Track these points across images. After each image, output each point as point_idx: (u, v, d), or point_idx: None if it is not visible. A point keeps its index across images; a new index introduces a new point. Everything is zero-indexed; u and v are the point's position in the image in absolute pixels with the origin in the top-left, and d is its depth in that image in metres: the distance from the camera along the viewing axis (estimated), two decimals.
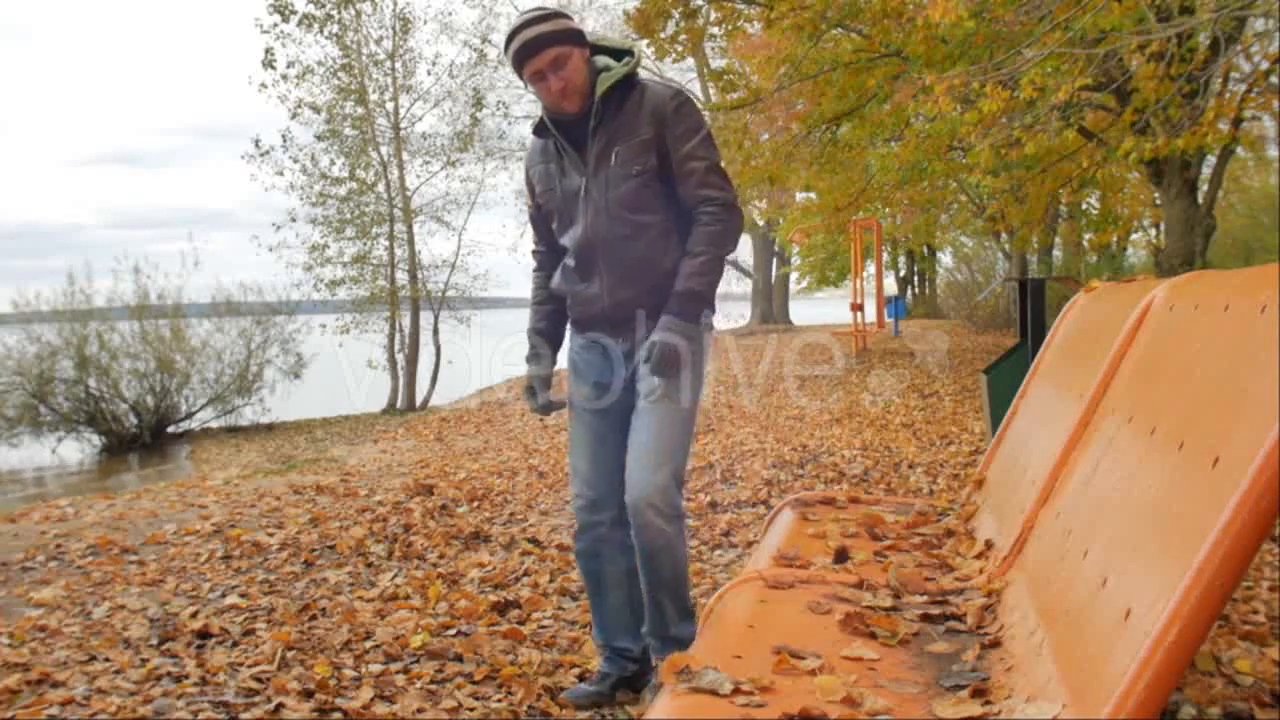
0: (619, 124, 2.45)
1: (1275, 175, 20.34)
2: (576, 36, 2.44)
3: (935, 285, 34.34)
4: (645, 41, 11.03)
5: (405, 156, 19.75)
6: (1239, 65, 9.75)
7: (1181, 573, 1.05)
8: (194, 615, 3.39)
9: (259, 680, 2.77)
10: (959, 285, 26.51)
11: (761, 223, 28.10)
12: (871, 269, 19.61)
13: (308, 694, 2.66)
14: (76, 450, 16.41)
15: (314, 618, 3.38)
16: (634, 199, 2.44)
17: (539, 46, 2.38)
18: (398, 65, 19.48)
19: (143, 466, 14.88)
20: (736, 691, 1.40)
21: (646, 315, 2.46)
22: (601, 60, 2.49)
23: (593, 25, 28.97)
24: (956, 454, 6.55)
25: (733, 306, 35.49)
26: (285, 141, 18.88)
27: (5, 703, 2.62)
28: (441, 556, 4.31)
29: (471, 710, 2.61)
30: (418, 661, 2.94)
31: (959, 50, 8.07)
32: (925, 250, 32.83)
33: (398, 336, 19.81)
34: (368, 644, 3.08)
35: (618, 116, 2.45)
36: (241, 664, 2.92)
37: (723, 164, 2.50)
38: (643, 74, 2.61)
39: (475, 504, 5.55)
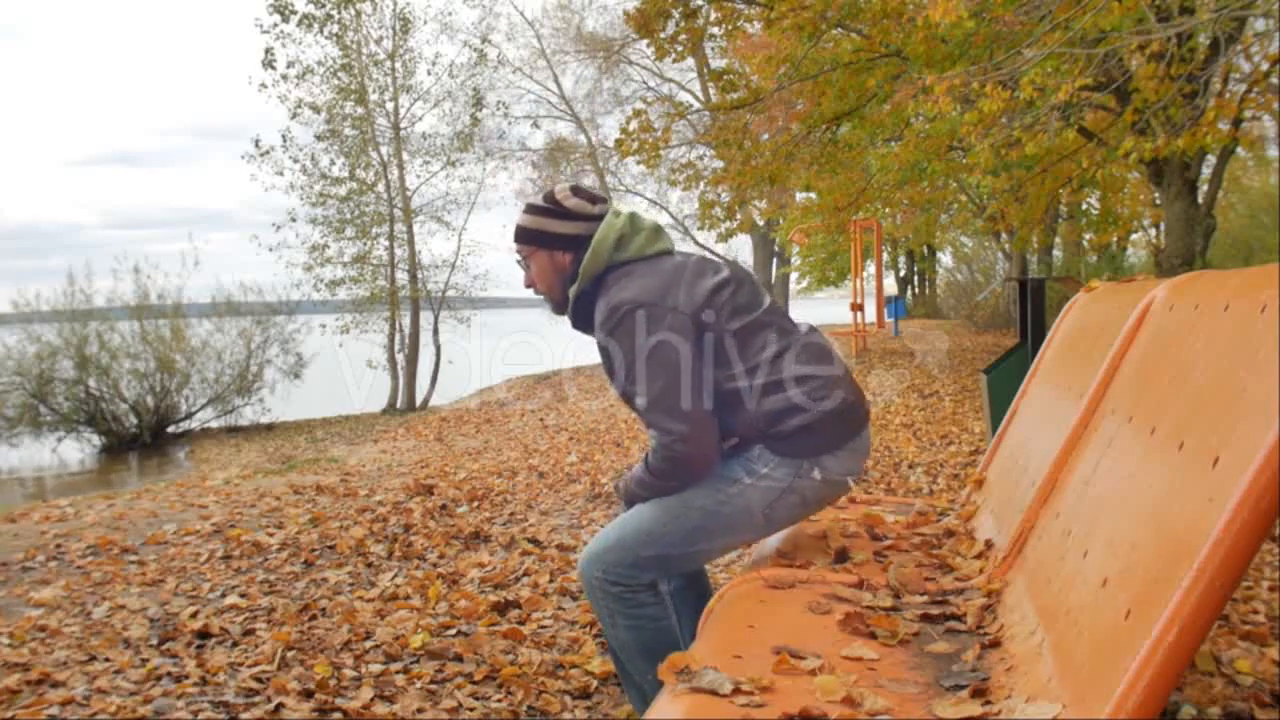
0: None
1: (1275, 175, 20.35)
2: (538, 239, 2.31)
3: (935, 285, 34.35)
4: (651, 45, 11.01)
5: (405, 156, 19.78)
6: (1239, 65, 9.76)
7: (1181, 573, 1.05)
8: (194, 615, 3.39)
9: (259, 680, 2.77)
10: (959, 285, 26.54)
11: (761, 223, 28.12)
12: (871, 269, 19.63)
13: (308, 694, 2.66)
14: (76, 450, 16.42)
15: (314, 618, 3.38)
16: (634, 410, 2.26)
17: (514, 236, 2.36)
18: (398, 65, 19.52)
19: (143, 466, 14.89)
20: (736, 691, 1.40)
21: None
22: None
23: (593, 25, 29.03)
24: (956, 454, 6.55)
25: None
26: (285, 141, 18.93)
27: (5, 703, 2.62)
28: (441, 556, 4.31)
29: (471, 710, 2.61)
30: (418, 661, 2.94)
31: (959, 50, 8.07)
32: (925, 250, 32.83)
33: (398, 336, 19.83)
34: (368, 644, 3.08)
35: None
36: (241, 664, 2.92)
37: (666, 397, 2.11)
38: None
39: (475, 504, 5.55)
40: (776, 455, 2.15)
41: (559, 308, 2.37)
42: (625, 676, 2.29)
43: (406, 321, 20.00)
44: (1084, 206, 19.28)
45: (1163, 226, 11.02)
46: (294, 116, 18.80)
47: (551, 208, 2.31)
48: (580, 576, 2.25)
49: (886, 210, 20.71)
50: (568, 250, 2.30)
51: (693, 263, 2.27)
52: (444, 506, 5.37)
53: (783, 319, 2.26)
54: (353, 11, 18.85)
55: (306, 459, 11.20)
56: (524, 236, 2.34)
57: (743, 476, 2.16)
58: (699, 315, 2.15)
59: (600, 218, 2.31)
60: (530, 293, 2.44)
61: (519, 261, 2.38)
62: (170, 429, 17.29)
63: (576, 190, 2.34)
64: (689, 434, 2.10)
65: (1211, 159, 10.47)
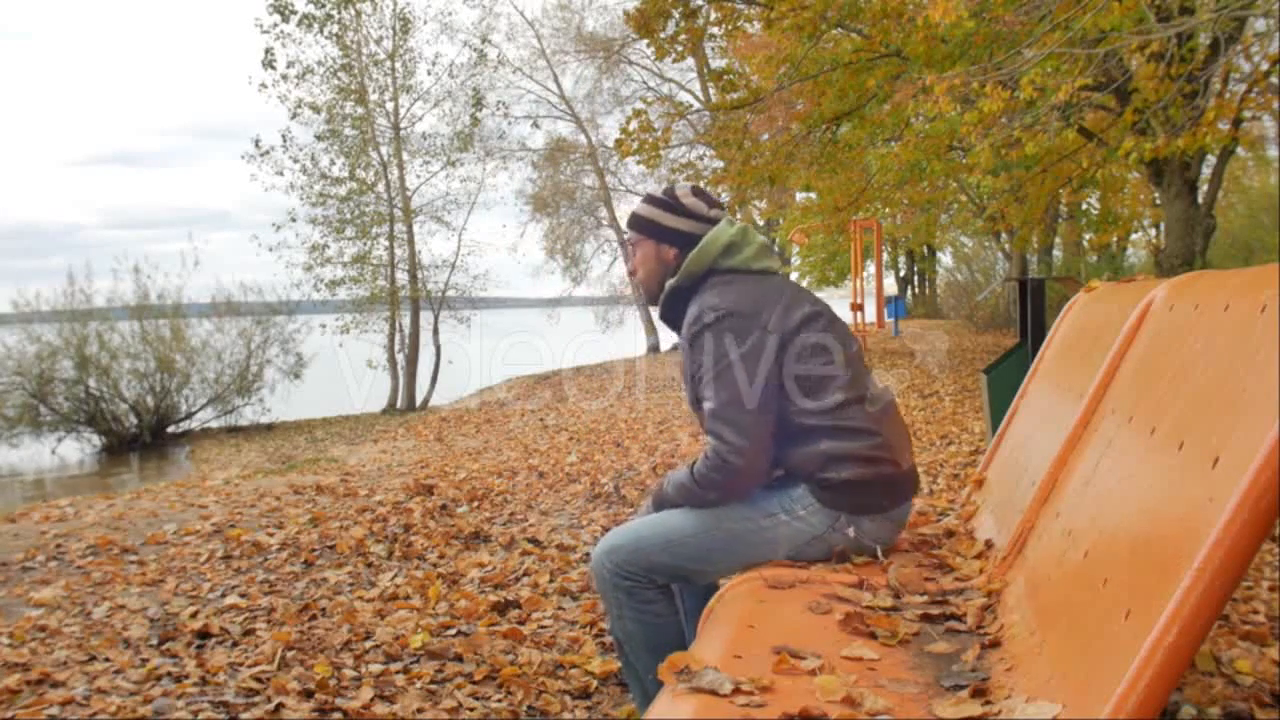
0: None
1: (1275, 175, 20.33)
2: (649, 228, 2.36)
3: (935, 285, 34.35)
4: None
5: (405, 156, 19.80)
6: (1239, 65, 9.75)
7: (1181, 573, 1.05)
8: (194, 615, 3.39)
9: (259, 680, 2.77)
10: (959, 285, 26.54)
11: (761, 223, 28.13)
12: (871, 269, 19.64)
13: (308, 694, 2.66)
14: (76, 450, 16.43)
15: (314, 618, 3.38)
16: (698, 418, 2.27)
17: (626, 222, 2.43)
18: (398, 65, 19.54)
19: (143, 466, 14.89)
20: (736, 691, 1.40)
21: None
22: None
23: (593, 25, 28.99)
24: (956, 454, 6.55)
25: None
26: (285, 141, 18.95)
27: (5, 703, 2.62)
28: (441, 556, 4.31)
29: (471, 710, 2.61)
30: (418, 661, 2.94)
31: (959, 50, 8.07)
32: (925, 250, 32.83)
33: (398, 336, 19.84)
34: (368, 644, 3.08)
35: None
36: (241, 664, 2.92)
37: (733, 408, 2.12)
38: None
39: (475, 504, 5.55)
40: (817, 501, 2.15)
41: (652, 298, 2.40)
42: (628, 669, 2.30)
43: (406, 321, 20.02)
44: (1084, 206, 19.28)
45: (1163, 226, 11.02)
46: (294, 116, 18.85)
47: (669, 201, 2.36)
48: (591, 566, 2.26)
49: (886, 210, 20.72)
50: (675, 245, 2.34)
51: (792, 289, 2.28)
52: (444, 506, 5.37)
53: (863, 369, 2.25)
54: (353, 11, 18.87)
55: (306, 459, 11.20)
56: (636, 224, 2.39)
57: (779, 512, 2.16)
58: (786, 341, 2.16)
59: (713, 221, 2.34)
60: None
61: (625, 247, 2.43)
62: (170, 429, 17.29)
63: (697, 191, 2.39)
64: (745, 449, 2.10)
65: (1211, 159, 10.45)
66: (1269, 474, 1.01)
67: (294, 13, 18.39)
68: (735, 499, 2.17)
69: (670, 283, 2.32)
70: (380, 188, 19.59)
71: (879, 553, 2.19)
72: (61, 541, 4.63)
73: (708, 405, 2.15)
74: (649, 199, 2.40)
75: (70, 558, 4.35)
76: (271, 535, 4.69)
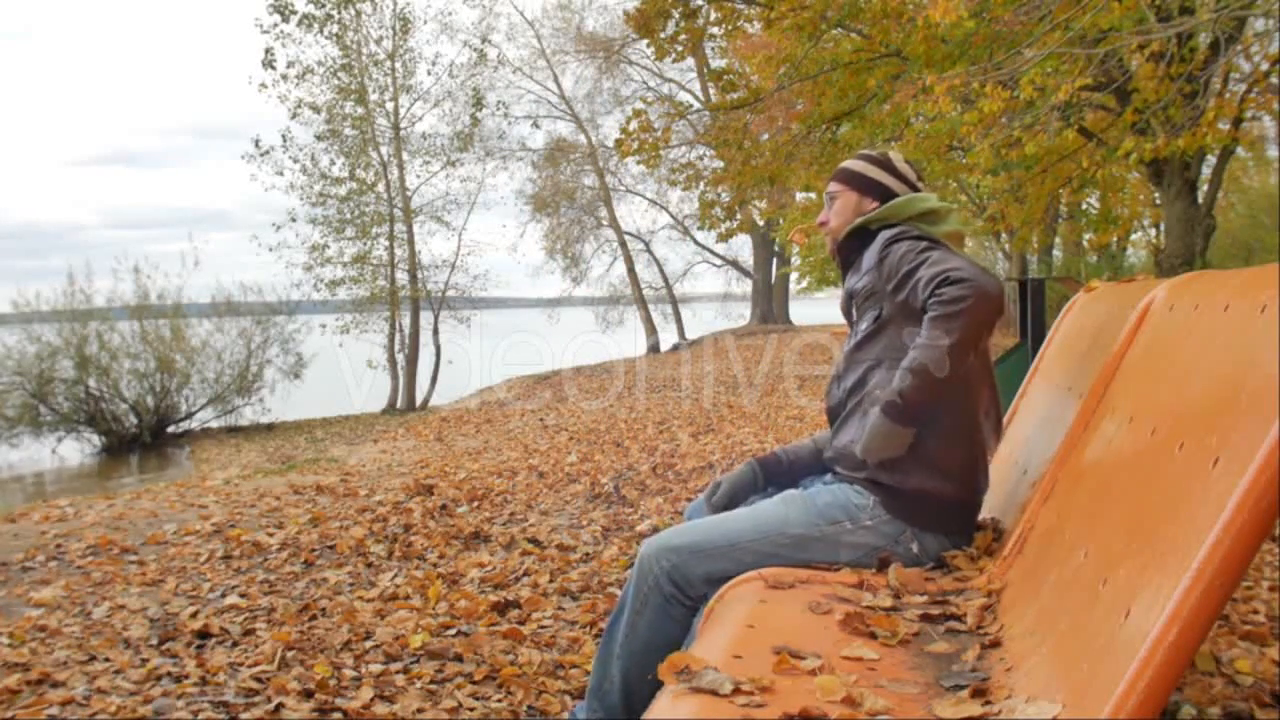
0: (853, 278, 2.32)
1: (1275, 175, 20.33)
2: (855, 179, 2.40)
3: None
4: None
5: (405, 156, 19.82)
6: (1239, 65, 9.74)
7: (1181, 573, 1.05)
8: (194, 615, 3.39)
9: (259, 680, 2.77)
10: None
11: (761, 223, 28.13)
12: None
13: (308, 694, 2.66)
14: (76, 450, 16.44)
15: (314, 618, 3.38)
16: (855, 354, 2.26)
17: (833, 175, 2.47)
18: (398, 65, 19.56)
19: (143, 466, 14.90)
20: (736, 691, 1.40)
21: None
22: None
23: (593, 25, 29.01)
24: None
25: (733, 307, 35.55)
26: (285, 141, 18.96)
27: (5, 703, 2.62)
28: (441, 556, 4.31)
29: (471, 710, 2.61)
30: (418, 661, 2.94)
31: (959, 50, 8.07)
32: None
33: (398, 336, 19.85)
34: (368, 644, 3.08)
35: (854, 270, 2.33)
36: (241, 664, 2.92)
37: (961, 262, 2.04)
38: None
39: (475, 504, 5.55)
40: (887, 512, 2.10)
41: (837, 247, 2.43)
42: (604, 650, 2.21)
43: (406, 321, 20.03)
44: (1084, 206, 19.26)
45: (1163, 226, 11.02)
46: (294, 116, 18.87)
47: (881, 159, 2.43)
48: (641, 557, 2.15)
49: None
50: (876, 199, 2.38)
51: None
52: (444, 506, 5.37)
53: (997, 395, 2.26)
54: (353, 11, 18.89)
55: (306, 459, 11.20)
56: (843, 175, 2.44)
57: (844, 520, 2.10)
58: None
59: (918, 192, 2.39)
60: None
61: (827, 197, 2.46)
62: (170, 429, 17.30)
63: (910, 162, 2.45)
64: (987, 277, 2.00)
65: (1211, 159, 10.45)
66: (1269, 474, 1.01)
67: (294, 13, 18.42)
68: (986, 320, 2.00)
69: (862, 218, 2.34)
70: (380, 188, 19.61)
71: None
72: (61, 541, 4.63)
73: (933, 267, 2.04)
74: (862, 156, 2.45)
75: (70, 558, 4.35)
76: (271, 535, 4.69)
